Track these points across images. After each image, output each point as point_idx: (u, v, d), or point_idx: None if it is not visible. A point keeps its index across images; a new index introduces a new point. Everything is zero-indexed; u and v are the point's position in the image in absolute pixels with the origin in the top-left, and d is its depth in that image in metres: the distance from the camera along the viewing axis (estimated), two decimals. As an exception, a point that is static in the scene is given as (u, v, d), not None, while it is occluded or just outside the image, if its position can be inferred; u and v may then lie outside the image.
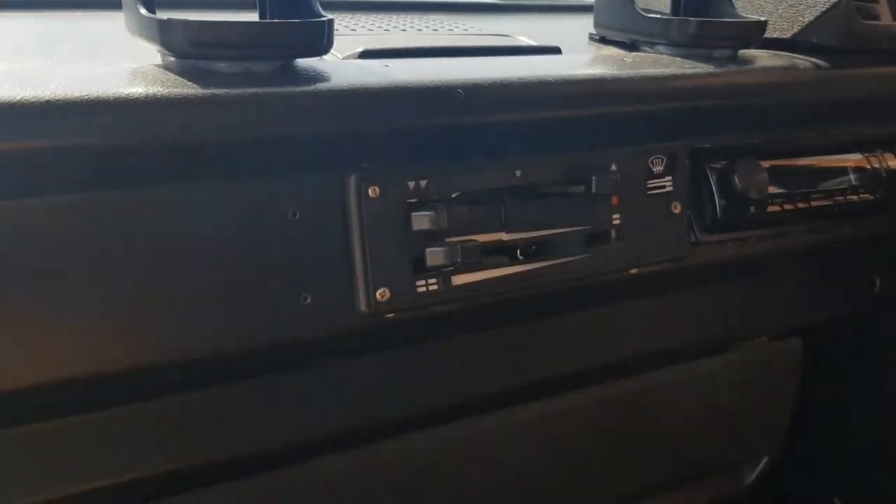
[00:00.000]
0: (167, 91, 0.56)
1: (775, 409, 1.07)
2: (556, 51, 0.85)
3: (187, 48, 0.59)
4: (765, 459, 1.09)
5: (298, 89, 0.60)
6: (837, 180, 0.94)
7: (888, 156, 0.97)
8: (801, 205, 0.89)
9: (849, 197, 0.94)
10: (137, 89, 0.56)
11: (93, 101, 0.54)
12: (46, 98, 0.53)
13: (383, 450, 0.79)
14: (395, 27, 0.93)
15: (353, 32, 0.88)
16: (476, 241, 0.70)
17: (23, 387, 0.57)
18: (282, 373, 0.69)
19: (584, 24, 1.02)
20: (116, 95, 0.55)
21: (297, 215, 0.64)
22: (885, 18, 0.93)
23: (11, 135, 0.53)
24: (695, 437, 1.04)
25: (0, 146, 0.53)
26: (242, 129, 0.58)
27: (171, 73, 0.60)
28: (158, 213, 0.59)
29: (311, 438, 0.72)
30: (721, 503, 1.10)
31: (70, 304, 0.57)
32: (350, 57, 0.75)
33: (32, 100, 0.53)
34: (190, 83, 0.58)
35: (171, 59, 0.62)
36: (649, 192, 0.80)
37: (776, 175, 0.88)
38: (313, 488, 0.76)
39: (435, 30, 0.95)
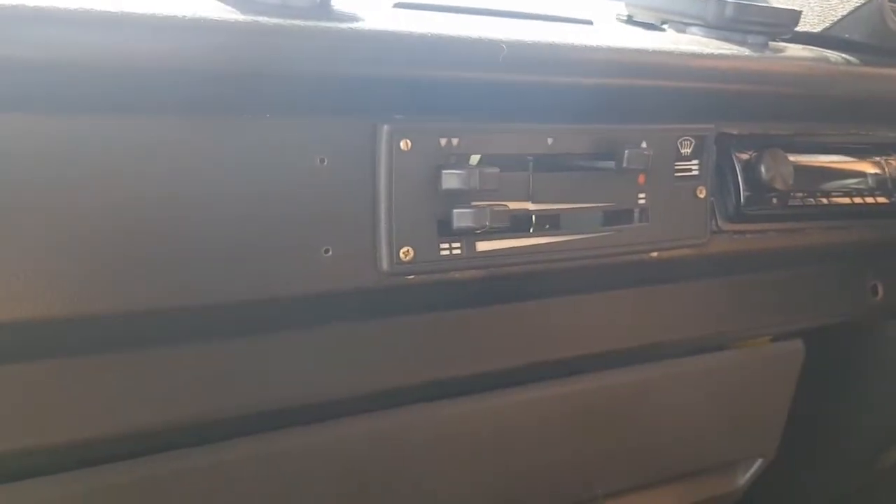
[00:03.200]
0: (205, 13, 0.53)
1: (772, 411, 1.06)
2: (588, 22, 0.83)
3: (225, -28, 0.56)
4: (759, 461, 1.08)
5: (341, 26, 0.57)
6: (856, 181, 0.92)
7: (905, 161, 0.96)
8: (822, 201, 0.88)
9: (866, 199, 0.93)
10: (172, 9, 0.52)
11: (123, 16, 0.51)
12: (74, 7, 0.49)
13: (385, 417, 0.76)
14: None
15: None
16: (506, 206, 0.67)
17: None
18: (294, 328, 0.66)
19: (606, 7, 1.00)
20: (152, 13, 0.51)
21: (325, 162, 0.60)
22: (916, 20, 0.92)
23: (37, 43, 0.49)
24: (689, 435, 1.02)
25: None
26: (278, 61, 0.55)
27: (207, -2, 0.56)
28: (178, 143, 0.55)
29: (316, 400, 0.68)
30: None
31: (76, 236, 0.53)
32: (384, 7, 0.72)
33: (55, 7, 0.49)
34: (228, 8, 0.54)
35: (207, -15, 0.58)
36: (676, 174, 0.78)
37: (798, 170, 0.86)
38: (315, 452, 0.73)
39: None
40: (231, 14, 0.54)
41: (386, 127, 0.62)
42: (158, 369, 0.61)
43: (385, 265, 0.63)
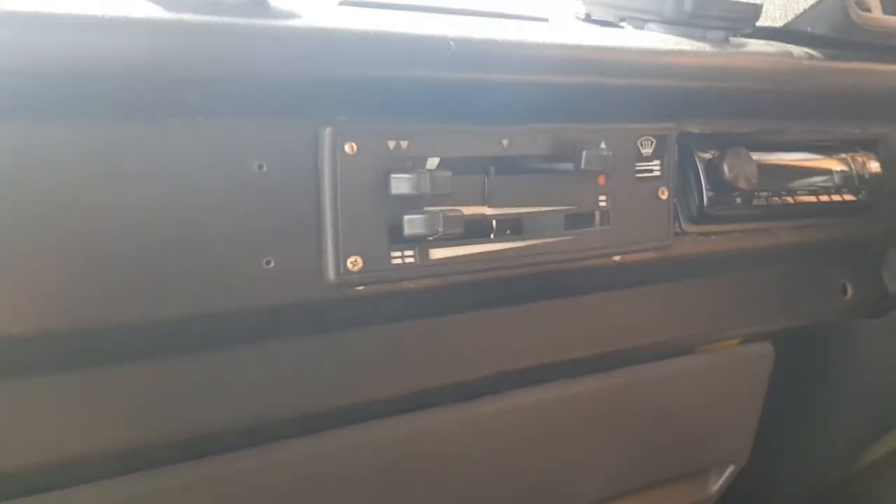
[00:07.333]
0: (127, 13, 0.49)
1: (743, 415, 1.04)
2: (543, 20, 0.80)
3: (152, -33, 0.52)
4: (731, 467, 1.06)
5: (276, 23, 0.54)
6: (821, 179, 0.90)
7: (871, 158, 0.94)
8: (786, 199, 0.86)
9: (832, 197, 0.91)
10: (92, 9, 0.48)
11: (37, 16, 0.47)
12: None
13: (341, 436, 0.72)
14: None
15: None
16: (459, 211, 0.64)
17: None
18: (237, 346, 0.62)
19: (563, 6, 0.97)
20: (69, 13, 0.48)
21: (264, 168, 0.57)
22: (877, 11, 0.91)
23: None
24: (659, 442, 1.00)
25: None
26: (211, 59, 0.51)
27: (131, -4, 0.53)
28: (105, 152, 0.51)
29: (264, 421, 0.65)
30: (685, 512, 1.06)
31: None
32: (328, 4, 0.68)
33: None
34: (155, 6, 0.51)
35: (132, -18, 0.55)
36: (637, 175, 0.76)
37: (762, 168, 0.84)
38: (264, 475, 0.69)
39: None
40: (156, 12, 0.50)
41: (329, 129, 0.59)
42: (96, 391, 0.58)
43: (332, 276, 0.60)
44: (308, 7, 0.61)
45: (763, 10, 0.85)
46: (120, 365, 0.59)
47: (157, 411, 0.60)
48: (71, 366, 0.57)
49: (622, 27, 0.86)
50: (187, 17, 0.51)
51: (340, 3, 0.68)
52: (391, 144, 0.61)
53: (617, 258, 0.75)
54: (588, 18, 0.91)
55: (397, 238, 0.62)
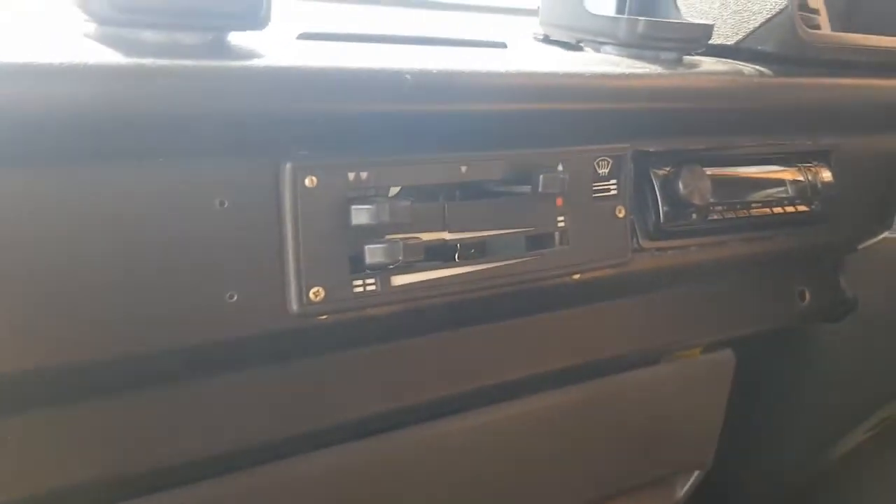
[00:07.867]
0: (85, 59, 0.50)
1: (707, 422, 1.06)
2: (502, 45, 0.81)
3: (109, 13, 0.53)
4: (696, 473, 1.08)
5: (234, 63, 0.55)
6: (775, 191, 0.93)
7: (823, 169, 0.97)
8: (741, 213, 0.88)
9: (786, 208, 0.93)
10: (52, 56, 0.49)
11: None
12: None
13: (313, 461, 0.74)
14: (331, 14, 0.89)
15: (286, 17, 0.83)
16: (419, 238, 0.66)
17: None
18: (204, 378, 0.63)
19: (526, 26, 0.99)
20: (27, 62, 0.49)
21: (226, 204, 0.58)
22: (826, 29, 0.93)
23: None
24: (624, 452, 1.02)
25: None
26: (169, 103, 0.52)
27: (91, 41, 0.54)
28: (68, 196, 0.53)
29: (236, 449, 0.66)
30: (652, 518, 1.08)
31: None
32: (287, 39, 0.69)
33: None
34: (111, 51, 0.52)
35: (93, 26, 0.56)
36: (594, 195, 0.77)
37: (716, 183, 0.86)
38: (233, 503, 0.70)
39: (374, 19, 0.91)
40: (113, 57, 0.51)
41: (289, 164, 0.60)
42: (61, 428, 0.59)
43: (295, 307, 0.61)
44: (267, 43, 0.62)
45: (715, 29, 0.88)
46: (86, 401, 0.59)
47: (125, 446, 0.61)
48: (31, 405, 0.58)
49: (580, 48, 0.88)
50: (145, 61, 0.52)
51: (299, 37, 0.69)
52: (351, 176, 0.63)
53: (577, 276, 0.77)
54: (546, 39, 0.92)
55: (359, 267, 0.64)
